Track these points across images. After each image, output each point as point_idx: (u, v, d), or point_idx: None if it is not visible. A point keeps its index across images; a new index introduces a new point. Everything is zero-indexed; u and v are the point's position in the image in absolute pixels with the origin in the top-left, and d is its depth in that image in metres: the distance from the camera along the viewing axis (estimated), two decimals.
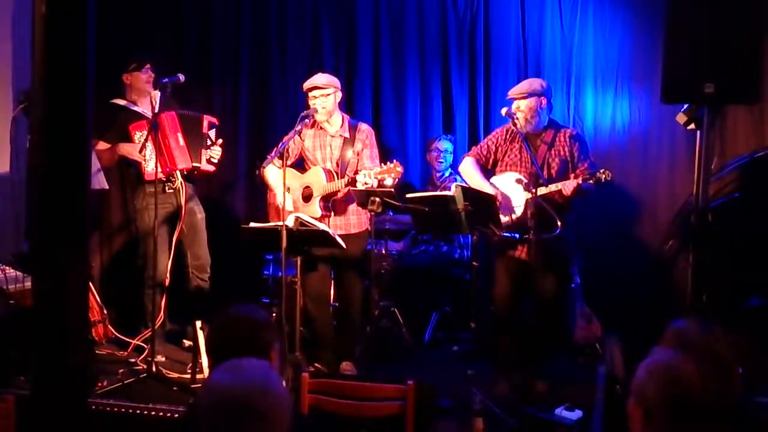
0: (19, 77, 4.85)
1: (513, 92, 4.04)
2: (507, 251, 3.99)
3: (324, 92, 4.12)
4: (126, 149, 4.38)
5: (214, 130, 4.44)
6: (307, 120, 4.07)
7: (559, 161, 3.98)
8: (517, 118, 3.94)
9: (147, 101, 4.36)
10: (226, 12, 5.41)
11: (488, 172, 4.15)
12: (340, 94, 4.22)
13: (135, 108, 4.43)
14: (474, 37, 5.30)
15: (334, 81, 4.21)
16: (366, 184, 3.83)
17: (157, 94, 4.30)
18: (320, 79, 4.17)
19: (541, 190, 3.77)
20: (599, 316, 4.54)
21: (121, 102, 4.46)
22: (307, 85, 4.19)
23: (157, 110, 4.14)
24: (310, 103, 4.17)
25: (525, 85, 4.04)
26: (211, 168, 4.44)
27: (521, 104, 3.98)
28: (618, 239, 5.00)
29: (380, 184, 3.83)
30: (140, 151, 4.31)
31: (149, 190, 4.34)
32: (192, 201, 4.49)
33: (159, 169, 4.27)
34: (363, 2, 5.39)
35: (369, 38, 5.39)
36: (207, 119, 4.42)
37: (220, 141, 4.44)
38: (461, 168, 4.23)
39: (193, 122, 4.38)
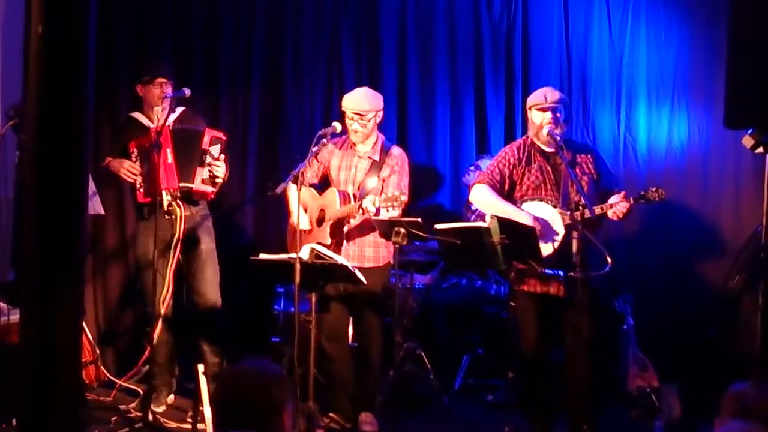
0: (8, 89, 4.93)
1: (554, 99, 3.94)
2: (536, 288, 3.93)
3: (365, 118, 4.13)
4: (114, 165, 4.36)
5: (219, 146, 4.36)
6: (324, 140, 4.06)
7: (588, 181, 3.95)
8: (556, 134, 3.90)
9: (161, 115, 4.36)
10: (236, 17, 5.43)
11: (506, 199, 4.00)
12: (381, 114, 4.23)
13: (144, 122, 4.43)
14: (511, 45, 5.31)
15: (378, 103, 4.19)
16: (368, 211, 3.86)
17: (158, 109, 4.36)
18: (362, 103, 4.14)
19: (576, 212, 3.72)
20: (655, 362, 4.48)
21: (136, 115, 4.48)
22: (350, 107, 4.16)
23: (160, 125, 4.17)
24: (347, 122, 4.16)
25: (556, 93, 3.99)
26: (208, 188, 4.34)
27: (559, 115, 3.93)
28: (676, 275, 4.95)
29: (381, 212, 3.83)
30: (122, 166, 4.29)
31: (144, 213, 4.36)
32: (198, 226, 4.41)
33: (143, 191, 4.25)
34: (387, 5, 5.40)
35: (393, 45, 5.40)
36: (210, 134, 4.34)
37: (222, 157, 4.35)
38: (474, 198, 4.07)
39: (189, 137, 4.32)
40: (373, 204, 3.83)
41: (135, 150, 4.29)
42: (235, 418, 1.99)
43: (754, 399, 2.13)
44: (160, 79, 4.37)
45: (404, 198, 3.80)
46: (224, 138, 4.40)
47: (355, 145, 4.24)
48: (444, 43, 5.40)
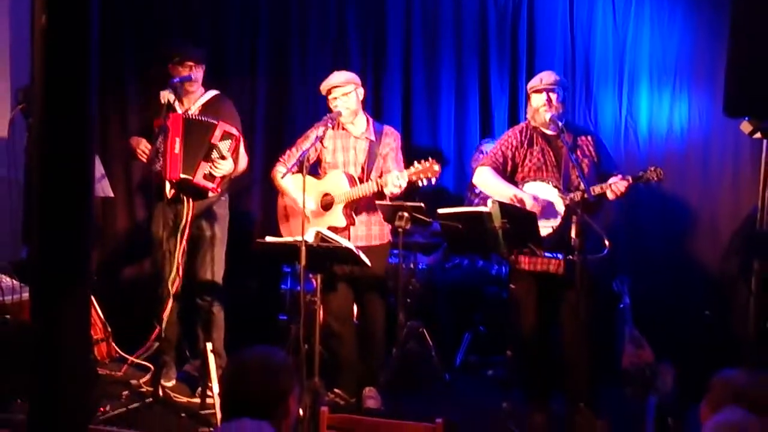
0: (17, 71, 5.02)
1: (548, 81, 4.05)
2: (535, 266, 4.01)
3: (344, 91, 4.25)
4: (132, 143, 4.45)
5: (230, 141, 4.27)
6: (330, 123, 4.17)
7: (588, 164, 4.05)
8: (554, 115, 3.99)
9: (190, 98, 4.42)
10: (242, 4, 5.49)
11: (508, 181, 4.11)
12: (362, 91, 4.35)
13: (172, 102, 4.40)
14: (516, 31, 5.36)
15: (353, 77, 4.34)
16: (399, 186, 3.96)
17: (164, 93, 4.42)
18: (337, 77, 4.30)
19: (575, 193, 3.83)
20: (651, 340, 4.55)
21: (166, 94, 4.39)
22: (324, 87, 4.31)
23: (166, 111, 4.23)
24: (331, 105, 4.28)
25: (553, 75, 4.10)
26: (209, 184, 4.27)
27: (553, 96, 4.03)
28: (673, 256, 5.04)
29: (413, 186, 3.96)
30: (138, 146, 4.38)
31: (157, 194, 4.42)
32: (208, 212, 4.44)
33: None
34: None
35: (399, 31, 5.47)
36: (222, 128, 4.25)
37: (228, 154, 4.27)
38: (477, 180, 4.19)
39: (200, 129, 4.26)
40: (401, 179, 3.95)
41: (155, 129, 4.33)
42: (242, 405, 2.04)
43: (745, 385, 2.14)
44: (188, 62, 4.38)
45: (437, 168, 3.92)
46: (237, 134, 4.33)
47: (345, 127, 4.33)
48: (449, 27, 5.45)
